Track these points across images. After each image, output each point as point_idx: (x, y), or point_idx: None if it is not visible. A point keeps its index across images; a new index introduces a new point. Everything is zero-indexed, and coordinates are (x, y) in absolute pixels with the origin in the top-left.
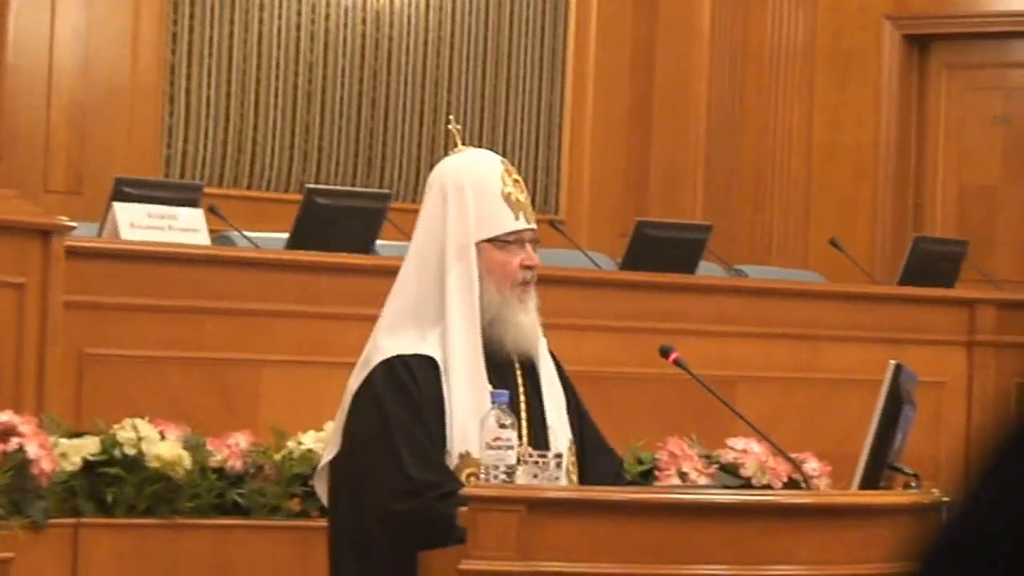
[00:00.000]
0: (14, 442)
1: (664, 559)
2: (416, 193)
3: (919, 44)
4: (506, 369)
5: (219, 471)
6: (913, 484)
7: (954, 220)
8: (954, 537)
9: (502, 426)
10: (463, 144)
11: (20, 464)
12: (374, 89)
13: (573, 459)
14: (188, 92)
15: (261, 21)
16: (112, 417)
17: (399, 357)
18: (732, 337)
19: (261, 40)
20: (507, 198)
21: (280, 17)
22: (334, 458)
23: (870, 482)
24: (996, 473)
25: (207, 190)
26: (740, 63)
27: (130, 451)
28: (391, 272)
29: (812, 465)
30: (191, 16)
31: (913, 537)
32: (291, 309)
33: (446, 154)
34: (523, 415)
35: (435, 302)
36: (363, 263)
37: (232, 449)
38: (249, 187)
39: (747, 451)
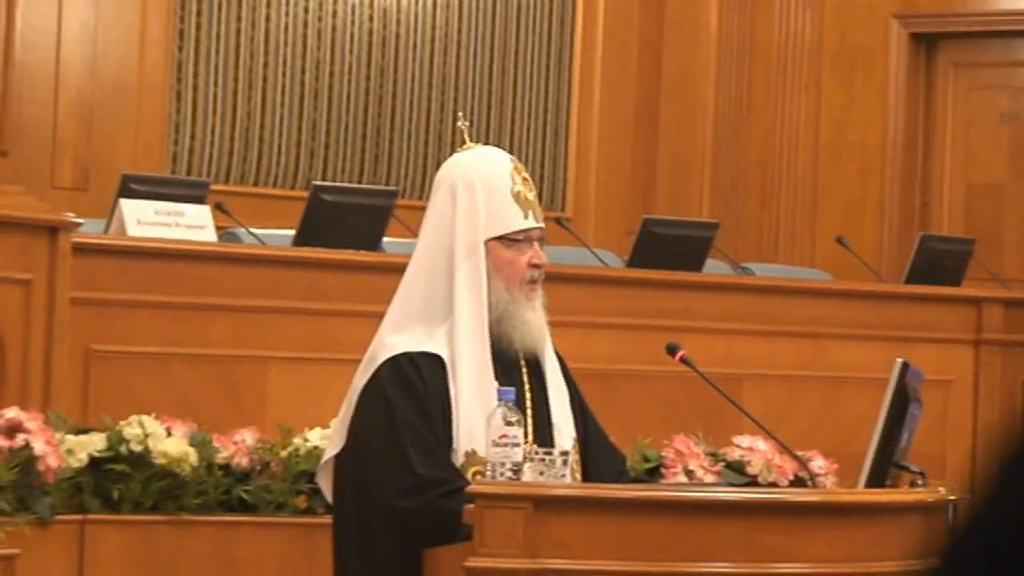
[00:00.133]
0: (20, 438)
1: (670, 557)
2: (423, 190)
3: (926, 43)
4: (512, 367)
5: (225, 468)
6: (919, 482)
7: (961, 218)
8: (967, 545)
9: (508, 423)
10: (470, 141)
11: (26, 460)
12: (381, 86)
13: (576, 456)
14: (195, 89)
15: (268, 18)
16: (118, 414)
17: (406, 354)
18: (739, 335)
19: (268, 37)
20: (517, 196)
21: (287, 14)
22: (338, 454)
23: (876, 480)
24: (1009, 480)
25: (214, 187)
26: (747, 62)
27: (136, 448)
28: (398, 269)
29: (818, 463)
30: (198, 13)
31: (927, 544)
32: (297, 306)
33: (453, 151)
34: (529, 413)
35: (443, 299)
36: (370, 260)
37: (238, 446)
38: (256, 184)
39: (753, 449)
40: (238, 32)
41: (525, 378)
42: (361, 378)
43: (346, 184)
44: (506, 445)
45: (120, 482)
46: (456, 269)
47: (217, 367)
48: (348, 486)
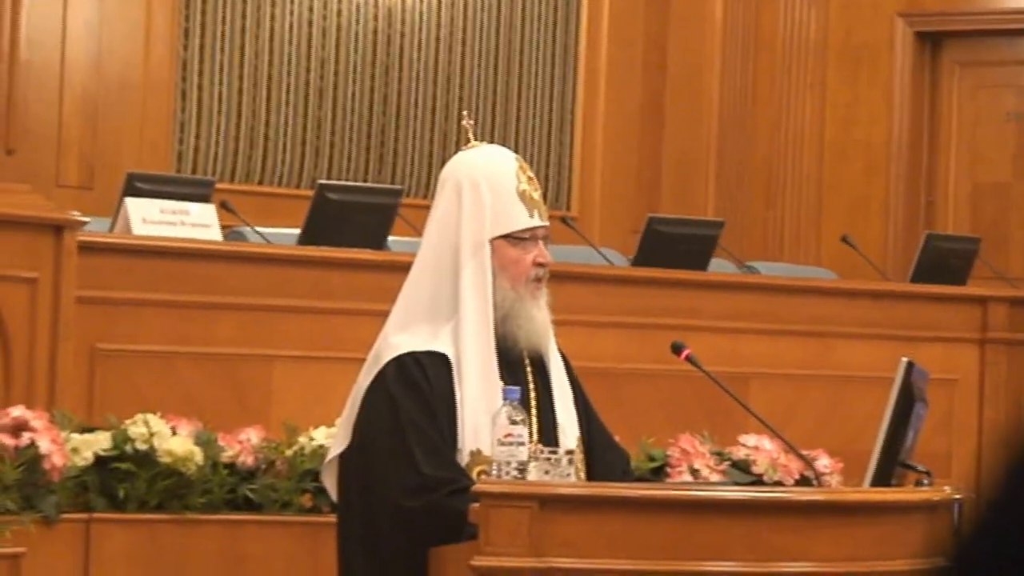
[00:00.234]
0: (26, 437)
1: (675, 555)
2: (428, 189)
3: (931, 41)
4: (517, 366)
5: (231, 466)
6: (925, 481)
7: (966, 217)
8: (974, 550)
9: (514, 422)
10: (475, 140)
11: (32, 459)
12: (386, 85)
13: (581, 455)
14: (200, 87)
15: (273, 17)
16: (124, 412)
17: (411, 354)
18: (744, 334)
19: (273, 36)
20: (522, 195)
21: (292, 13)
22: (343, 453)
23: (882, 479)
24: (1015, 484)
25: (219, 186)
26: (752, 60)
27: (142, 446)
28: (403, 268)
29: (824, 462)
30: (203, 11)
31: (932, 543)
32: (303, 305)
33: (458, 150)
34: (533, 412)
35: (449, 298)
36: (375, 259)
37: (244, 445)
38: (261, 183)
39: (759, 448)
40: (243, 30)
41: (530, 377)
42: (366, 377)
43: (351, 183)
44: (511, 444)
45: (125, 481)
46: (461, 268)
47: (222, 366)
48: (353, 485)
